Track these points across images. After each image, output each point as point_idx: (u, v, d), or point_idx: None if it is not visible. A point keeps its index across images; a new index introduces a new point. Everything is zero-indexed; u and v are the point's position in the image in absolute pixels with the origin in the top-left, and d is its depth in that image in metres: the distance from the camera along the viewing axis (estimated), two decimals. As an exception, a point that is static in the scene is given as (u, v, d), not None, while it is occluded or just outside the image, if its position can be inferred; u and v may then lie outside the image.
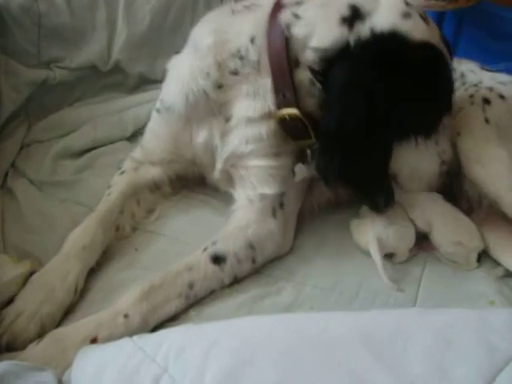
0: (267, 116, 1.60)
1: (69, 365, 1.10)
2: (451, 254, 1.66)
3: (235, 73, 1.61)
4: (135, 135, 2.14)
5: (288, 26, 1.52)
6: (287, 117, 1.57)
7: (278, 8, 1.56)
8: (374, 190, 1.60)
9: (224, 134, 1.66)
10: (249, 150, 1.63)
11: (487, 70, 1.93)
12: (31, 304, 1.42)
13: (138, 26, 2.26)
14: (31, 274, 1.51)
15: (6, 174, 1.92)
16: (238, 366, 0.89)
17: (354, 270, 1.64)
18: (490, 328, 0.91)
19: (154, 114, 1.81)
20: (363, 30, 1.46)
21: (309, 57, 1.51)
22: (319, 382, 0.87)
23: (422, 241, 1.71)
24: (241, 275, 1.58)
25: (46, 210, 1.79)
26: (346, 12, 1.49)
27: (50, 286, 1.46)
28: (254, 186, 1.64)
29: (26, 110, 2.13)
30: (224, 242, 1.58)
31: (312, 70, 1.52)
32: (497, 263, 1.67)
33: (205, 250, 1.56)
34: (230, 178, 1.71)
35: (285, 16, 1.54)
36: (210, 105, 1.65)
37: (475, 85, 1.81)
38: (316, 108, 1.56)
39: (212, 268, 1.54)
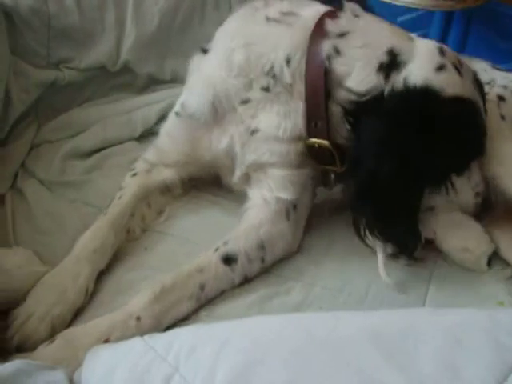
0: (296, 139, 1.60)
1: (80, 366, 1.10)
2: (460, 260, 1.65)
3: (266, 89, 1.59)
4: (144, 135, 2.15)
5: (329, 58, 1.51)
6: (316, 145, 1.58)
7: (320, 33, 1.54)
8: (403, 235, 1.59)
9: (247, 145, 1.65)
10: (273, 161, 1.63)
11: (498, 69, 1.92)
12: (42, 305, 1.42)
13: (146, 27, 2.26)
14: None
15: (16, 175, 1.92)
16: (248, 365, 0.89)
17: (363, 270, 1.63)
18: (501, 328, 0.91)
19: (173, 117, 1.79)
20: (398, 80, 1.46)
21: (343, 95, 1.52)
22: (329, 381, 0.87)
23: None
24: (251, 275, 1.59)
25: (56, 210, 1.79)
26: (384, 58, 1.49)
27: (61, 287, 1.47)
28: (272, 188, 1.64)
29: (36, 111, 2.14)
30: (235, 242, 1.58)
31: (344, 109, 1.52)
32: (507, 264, 1.66)
33: (216, 250, 1.57)
34: (247, 179, 1.71)
35: (327, 47, 1.52)
36: (236, 117, 1.65)
37: (488, 83, 1.79)
38: (345, 141, 1.57)
39: (223, 269, 1.54)
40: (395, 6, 2.31)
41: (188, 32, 2.33)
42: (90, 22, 2.17)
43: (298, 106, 1.57)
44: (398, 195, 1.49)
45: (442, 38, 2.55)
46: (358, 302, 1.54)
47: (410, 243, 1.58)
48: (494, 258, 1.67)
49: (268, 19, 1.62)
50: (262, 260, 1.60)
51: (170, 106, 2.11)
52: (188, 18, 2.33)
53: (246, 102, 1.63)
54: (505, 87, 1.76)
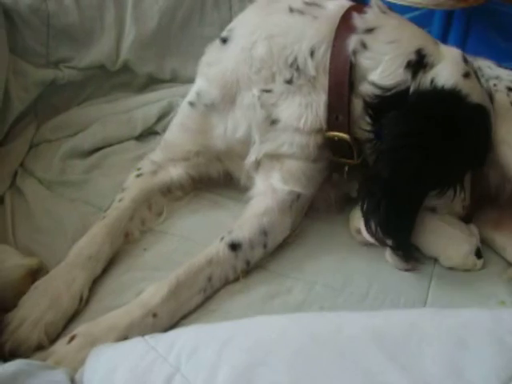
0: (316, 131, 1.61)
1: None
2: (450, 266, 1.64)
3: (289, 82, 1.60)
4: (144, 135, 2.15)
5: (354, 53, 1.53)
6: (336, 138, 1.60)
7: (346, 27, 1.55)
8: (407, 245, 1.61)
9: (266, 133, 1.66)
10: (291, 152, 1.64)
11: (503, 67, 1.93)
12: (35, 310, 1.40)
13: (146, 26, 2.26)
14: (36, 272, 1.50)
15: (15, 174, 1.92)
16: (250, 366, 0.89)
17: (364, 268, 1.64)
18: (504, 328, 0.90)
19: (187, 107, 1.78)
20: (424, 79, 1.49)
21: (366, 89, 1.54)
22: (332, 381, 0.87)
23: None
24: (252, 260, 1.60)
25: (55, 209, 1.78)
26: (412, 57, 1.51)
27: (55, 293, 1.45)
28: (285, 180, 1.65)
29: (35, 110, 2.13)
30: (240, 230, 1.60)
31: (366, 103, 1.54)
32: (507, 264, 1.65)
33: (222, 239, 1.58)
34: (257, 167, 1.71)
35: (354, 42, 1.53)
36: (256, 106, 1.65)
37: (496, 77, 1.81)
38: (365, 135, 1.58)
39: (229, 255, 1.55)
40: (396, 4, 2.31)
41: (187, 31, 2.32)
42: (90, 21, 2.17)
43: (321, 99, 1.58)
44: (415, 189, 1.51)
45: (443, 37, 2.55)
46: (360, 300, 1.54)
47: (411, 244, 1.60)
48: (497, 258, 1.67)
49: (291, 10, 1.62)
50: (265, 245, 1.61)
51: (170, 105, 2.13)
52: (188, 17, 2.33)
53: (268, 91, 1.63)
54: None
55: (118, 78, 2.29)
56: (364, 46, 1.53)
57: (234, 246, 1.57)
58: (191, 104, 1.76)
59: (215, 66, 1.71)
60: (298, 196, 1.67)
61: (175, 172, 1.80)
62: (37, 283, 1.47)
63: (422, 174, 1.48)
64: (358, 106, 1.56)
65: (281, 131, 1.64)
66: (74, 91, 2.21)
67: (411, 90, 1.49)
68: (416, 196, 1.54)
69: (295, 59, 1.58)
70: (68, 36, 2.14)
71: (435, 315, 0.97)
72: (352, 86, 1.55)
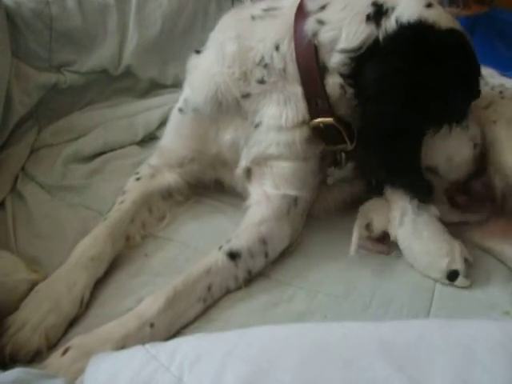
0: (299, 124, 1.60)
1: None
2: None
3: (261, 82, 1.61)
4: (145, 140, 2.15)
5: (314, 34, 1.52)
6: (321, 125, 1.58)
7: (301, 15, 1.56)
8: (416, 182, 1.62)
9: (251, 137, 1.66)
10: (279, 152, 1.63)
11: (506, 76, 1.93)
12: (36, 314, 1.39)
13: (149, 31, 2.26)
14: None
15: (16, 178, 1.91)
16: (254, 375, 0.87)
17: (367, 277, 1.62)
18: (513, 340, 0.89)
19: (176, 114, 1.80)
20: (389, 23, 1.47)
21: (337, 60, 1.52)
22: (338, 392, 0.85)
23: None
24: (254, 270, 1.59)
25: (56, 214, 1.77)
26: (369, 10, 1.50)
27: (55, 296, 1.44)
28: (276, 185, 1.65)
29: (37, 114, 2.13)
30: (238, 239, 1.59)
31: (341, 75, 1.52)
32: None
33: (220, 248, 1.57)
34: (249, 175, 1.71)
35: (310, 24, 1.54)
36: (240, 111, 1.65)
37: (500, 85, 1.82)
38: (349, 112, 1.57)
39: (228, 264, 1.54)
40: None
41: (190, 37, 2.32)
42: (92, 26, 2.17)
43: (296, 89, 1.58)
44: (403, 134, 1.50)
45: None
46: (363, 309, 1.53)
47: (421, 187, 1.62)
48: (502, 267, 1.66)
49: (253, 17, 1.65)
50: (266, 255, 1.60)
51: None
52: (190, 23, 2.33)
53: (247, 96, 1.63)
54: None
55: (120, 83, 2.29)
56: (321, 22, 1.53)
57: (233, 255, 1.55)
58: (181, 110, 1.77)
59: (194, 71, 1.75)
60: (295, 200, 1.66)
61: (171, 178, 1.81)
62: (38, 286, 1.46)
63: (410, 109, 1.47)
64: (334, 84, 1.54)
65: (265, 133, 1.63)
66: (75, 96, 2.21)
67: (380, 38, 1.47)
68: (411, 133, 1.52)
69: (262, 57, 1.59)
70: (71, 40, 2.14)
71: (443, 326, 0.95)
72: (323, 67, 1.54)
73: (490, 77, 1.87)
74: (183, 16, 2.33)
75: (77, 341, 1.34)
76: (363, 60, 1.48)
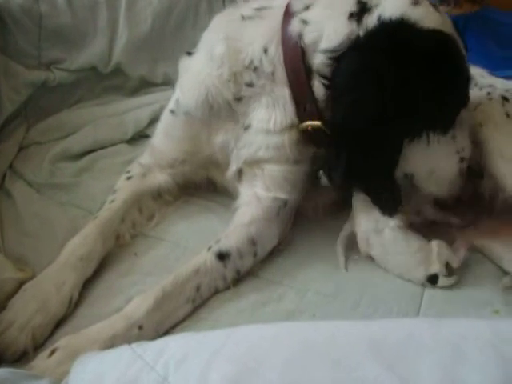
0: (288, 128, 1.58)
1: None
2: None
3: (250, 85, 1.59)
4: (135, 138, 2.14)
5: (300, 35, 1.50)
6: (310, 128, 1.56)
7: (288, 15, 1.54)
8: (381, 190, 1.56)
9: (241, 139, 1.65)
10: (269, 155, 1.62)
11: (496, 76, 1.92)
12: (23, 314, 1.38)
13: (139, 29, 2.25)
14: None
15: (4, 176, 1.90)
16: (240, 374, 0.86)
17: (357, 276, 1.62)
18: (503, 339, 0.88)
19: (168, 116, 1.78)
20: (371, 20, 1.43)
21: (319, 61, 1.48)
22: (326, 392, 0.85)
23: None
24: (243, 269, 1.58)
25: (44, 212, 1.76)
26: (353, 8, 1.46)
27: (43, 295, 1.43)
28: (267, 187, 1.64)
29: (25, 112, 2.11)
30: (227, 239, 1.58)
31: (322, 76, 1.48)
32: (503, 273, 1.63)
33: (209, 248, 1.56)
34: (240, 176, 1.70)
35: (295, 25, 1.51)
36: (232, 114, 1.64)
37: (489, 86, 1.79)
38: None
39: (217, 265, 1.53)
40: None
41: (181, 35, 2.32)
42: (82, 23, 2.16)
43: (284, 92, 1.56)
44: (375, 139, 1.44)
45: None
46: (352, 308, 1.52)
47: (388, 200, 1.56)
48: (493, 266, 1.65)
49: (243, 17, 1.63)
50: (255, 255, 1.60)
51: (162, 109, 2.09)
52: (181, 21, 2.33)
53: (238, 99, 1.62)
54: (507, 90, 1.75)
55: (110, 81, 2.28)
56: (305, 22, 1.50)
57: (222, 256, 1.55)
58: (172, 112, 1.76)
59: (185, 74, 1.73)
60: (285, 203, 1.65)
61: (162, 178, 1.80)
62: (26, 285, 1.45)
63: (382, 107, 1.40)
64: (319, 86, 1.50)
65: (254, 136, 1.62)
66: (65, 93, 2.19)
67: (361, 36, 1.43)
68: (379, 136, 1.44)
69: (251, 61, 1.57)
70: (60, 37, 2.12)
71: (432, 325, 0.94)
72: (309, 68, 1.50)
73: (480, 76, 1.85)
74: (174, 14, 2.32)
75: (64, 342, 1.33)
76: (342, 58, 1.44)
